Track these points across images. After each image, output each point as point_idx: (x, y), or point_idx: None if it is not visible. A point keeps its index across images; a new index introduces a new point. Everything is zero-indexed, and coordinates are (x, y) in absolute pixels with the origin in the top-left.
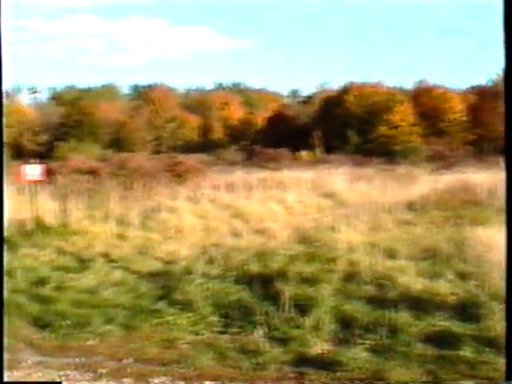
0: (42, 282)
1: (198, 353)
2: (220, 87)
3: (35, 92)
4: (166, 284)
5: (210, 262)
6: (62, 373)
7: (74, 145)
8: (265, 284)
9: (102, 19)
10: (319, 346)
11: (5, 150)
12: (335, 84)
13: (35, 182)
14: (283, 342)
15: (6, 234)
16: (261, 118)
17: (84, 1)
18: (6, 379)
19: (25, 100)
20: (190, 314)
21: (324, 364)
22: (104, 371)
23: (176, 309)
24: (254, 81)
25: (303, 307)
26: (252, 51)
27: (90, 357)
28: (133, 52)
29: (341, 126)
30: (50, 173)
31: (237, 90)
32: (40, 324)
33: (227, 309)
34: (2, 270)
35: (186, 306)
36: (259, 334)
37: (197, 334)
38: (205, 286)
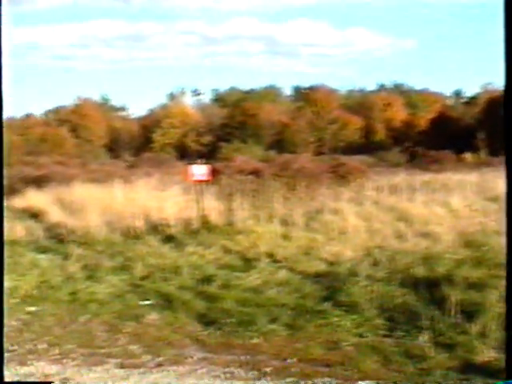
0: (207, 279)
1: (362, 355)
2: (382, 88)
3: (198, 94)
4: (331, 285)
5: (375, 264)
6: (226, 369)
7: (237, 145)
8: (430, 288)
9: (264, 22)
10: (486, 353)
11: (170, 149)
12: (500, 84)
13: (201, 182)
14: (449, 347)
15: (173, 231)
16: (424, 119)
17: (247, 5)
18: (6, 379)
19: (188, 102)
20: (355, 316)
21: (491, 371)
22: (268, 370)
23: (341, 310)
24: (416, 81)
25: (469, 313)
26: (415, 51)
27: (254, 355)
28: (295, 54)
29: None
30: (214, 173)
31: (399, 90)
32: (205, 321)
33: (392, 312)
34: (2, 270)
35: (351, 307)
36: (424, 338)
37: (361, 336)
38: (369, 288)
